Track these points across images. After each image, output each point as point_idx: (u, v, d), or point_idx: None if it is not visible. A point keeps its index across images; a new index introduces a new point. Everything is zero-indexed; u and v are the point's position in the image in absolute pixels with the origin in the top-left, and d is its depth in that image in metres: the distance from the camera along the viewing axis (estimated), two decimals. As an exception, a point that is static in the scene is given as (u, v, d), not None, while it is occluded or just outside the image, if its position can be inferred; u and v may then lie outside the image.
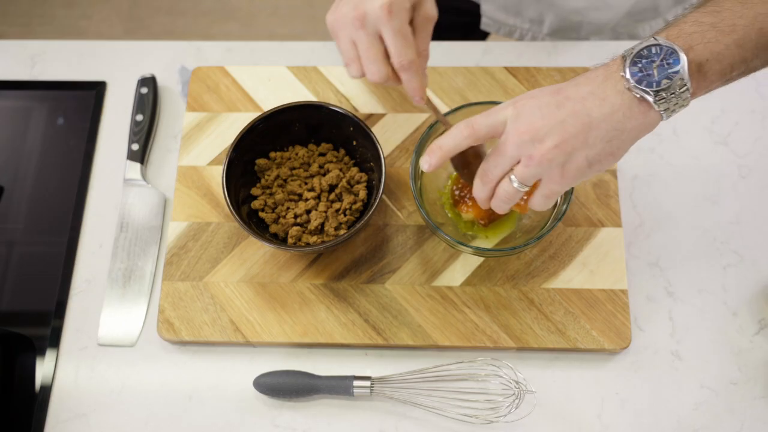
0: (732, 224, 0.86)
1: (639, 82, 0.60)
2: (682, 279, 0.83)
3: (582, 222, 0.84)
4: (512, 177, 0.65)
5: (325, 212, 0.82)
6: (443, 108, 0.90)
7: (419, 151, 0.79)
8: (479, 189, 0.68)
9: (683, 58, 0.60)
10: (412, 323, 0.80)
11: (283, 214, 0.83)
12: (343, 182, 0.83)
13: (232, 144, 0.80)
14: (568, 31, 1.03)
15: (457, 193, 0.82)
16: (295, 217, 0.82)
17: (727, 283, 0.83)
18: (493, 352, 0.80)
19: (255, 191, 0.84)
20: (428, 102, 0.75)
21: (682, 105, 0.61)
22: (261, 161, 0.84)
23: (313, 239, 0.81)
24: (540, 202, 0.67)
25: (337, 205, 0.82)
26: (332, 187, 0.83)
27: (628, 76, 0.60)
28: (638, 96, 0.60)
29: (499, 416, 0.75)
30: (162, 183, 0.90)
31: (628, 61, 0.61)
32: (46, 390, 0.80)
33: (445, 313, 0.81)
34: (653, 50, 0.60)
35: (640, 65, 0.60)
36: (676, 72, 0.59)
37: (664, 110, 0.61)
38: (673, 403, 0.78)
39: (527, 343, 0.79)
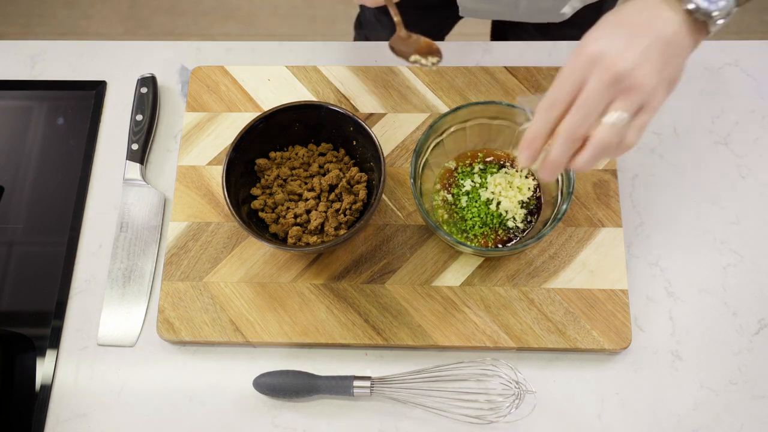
0: (732, 224, 0.86)
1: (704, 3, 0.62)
2: (682, 279, 0.83)
3: (582, 222, 0.84)
4: (610, 115, 0.62)
5: (325, 212, 0.82)
6: (443, 108, 0.90)
7: (419, 150, 0.79)
8: (562, 150, 0.63)
9: None
10: (412, 323, 0.80)
11: (283, 214, 0.83)
12: (343, 182, 0.83)
13: (232, 144, 0.80)
14: (542, 13, 1.02)
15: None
16: (295, 217, 0.82)
17: (727, 283, 0.83)
18: (493, 352, 0.80)
19: (255, 191, 0.84)
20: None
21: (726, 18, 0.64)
22: (261, 161, 0.84)
23: (313, 239, 0.81)
24: (635, 137, 0.63)
25: (337, 205, 0.82)
26: (332, 187, 0.83)
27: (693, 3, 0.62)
28: (699, 19, 0.62)
29: (500, 416, 0.75)
30: (162, 183, 0.90)
31: None
32: (46, 390, 0.80)
33: (445, 313, 0.81)
34: None
35: None
36: None
37: (716, 28, 0.63)
38: (673, 403, 0.78)
39: (527, 343, 0.79)
